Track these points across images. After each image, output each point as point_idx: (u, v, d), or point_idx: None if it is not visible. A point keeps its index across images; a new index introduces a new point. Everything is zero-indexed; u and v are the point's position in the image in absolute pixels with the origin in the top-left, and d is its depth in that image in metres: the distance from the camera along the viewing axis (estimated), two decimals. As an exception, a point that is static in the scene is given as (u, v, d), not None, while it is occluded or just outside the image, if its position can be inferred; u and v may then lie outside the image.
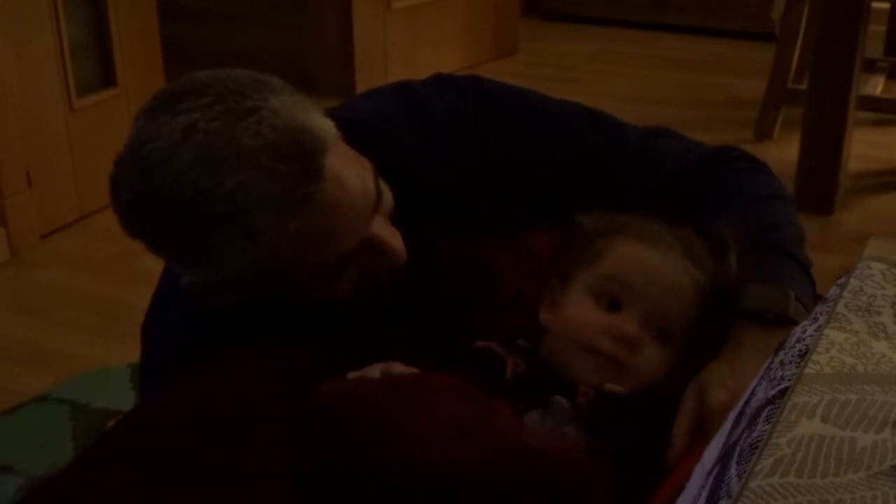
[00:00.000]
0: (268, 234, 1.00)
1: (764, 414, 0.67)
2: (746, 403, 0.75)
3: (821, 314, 0.77)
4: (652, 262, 1.07)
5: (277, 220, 0.99)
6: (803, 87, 2.97)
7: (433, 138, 1.22)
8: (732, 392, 0.96)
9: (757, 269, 1.09)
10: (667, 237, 1.09)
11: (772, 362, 0.76)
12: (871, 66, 3.30)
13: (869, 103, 3.02)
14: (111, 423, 1.10)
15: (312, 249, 1.04)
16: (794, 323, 1.00)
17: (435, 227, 1.20)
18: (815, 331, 0.75)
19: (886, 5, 3.50)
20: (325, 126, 1.04)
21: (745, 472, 0.61)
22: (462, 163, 1.22)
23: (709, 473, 0.71)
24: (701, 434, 0.98)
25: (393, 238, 1.11)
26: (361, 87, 3.45)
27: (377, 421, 0.97)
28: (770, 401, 0.68)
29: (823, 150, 2.65)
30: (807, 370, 0.68)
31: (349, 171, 1.04)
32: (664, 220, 1.12)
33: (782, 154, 3.03)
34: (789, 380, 0.69)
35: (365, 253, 1.08)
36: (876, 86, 3.26)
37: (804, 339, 0.75)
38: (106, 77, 2.78)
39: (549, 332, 1.09)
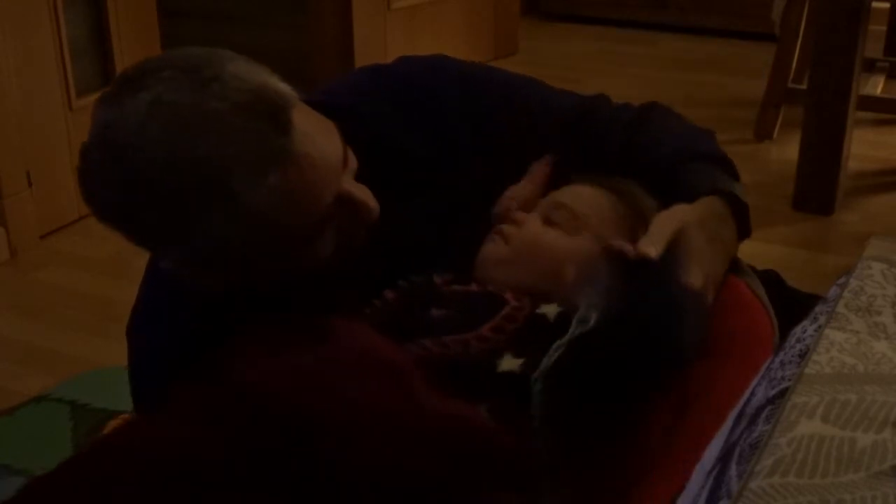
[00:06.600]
0: (247, 193, 1.00)
1: (764, 414, 0.67)
2: (747, 403, 0.75)
3: (821, 314, 0.77)
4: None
5: (254, 178, 1.00)
6: (803, 87, 2.96)
7: (418, 115, 1.24)
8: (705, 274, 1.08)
9: (695, 175, 1.21)
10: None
11: (772, 362, 0.76)
12: (871, 66, 3.31)
13: (869, 103, 3.02)
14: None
15: (292, 206, 1.04)
16: (740, 199, 1.15)
17: (423, 206, 1.22)
18: (815, 331, 0.75)
19: (886, 5, 3.50)
20: (286, 87, 1.05)
21: (745, 472, 0.61)
22: (449, 139, 1.24)
23: (709, 473, 0.71)
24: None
25: (364, 193, 1.11)
26: (361, 87, 3.44)
27: (299, 419, 0.94)
28: (770, 401, 0.68)
29: (823, 150, 2.65)
30: (807, 370, 0.68)
31: (316, 127, 1.06)
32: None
33: (782, 154, 3.03)
34: (789, 380, 0.69)
35: (339, 210, 1.09)
36: (876, 86, 3.26)
37: (804, 339, 0.75)
38: (106, 77, 2.77)
39: None
